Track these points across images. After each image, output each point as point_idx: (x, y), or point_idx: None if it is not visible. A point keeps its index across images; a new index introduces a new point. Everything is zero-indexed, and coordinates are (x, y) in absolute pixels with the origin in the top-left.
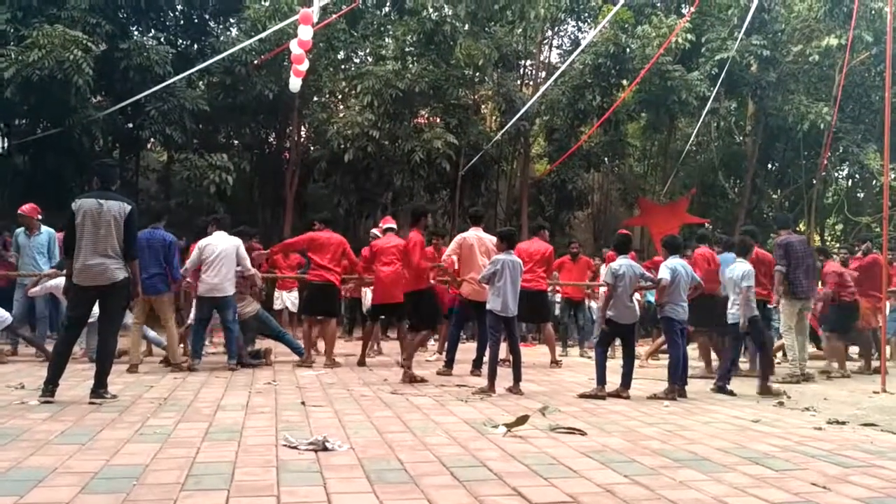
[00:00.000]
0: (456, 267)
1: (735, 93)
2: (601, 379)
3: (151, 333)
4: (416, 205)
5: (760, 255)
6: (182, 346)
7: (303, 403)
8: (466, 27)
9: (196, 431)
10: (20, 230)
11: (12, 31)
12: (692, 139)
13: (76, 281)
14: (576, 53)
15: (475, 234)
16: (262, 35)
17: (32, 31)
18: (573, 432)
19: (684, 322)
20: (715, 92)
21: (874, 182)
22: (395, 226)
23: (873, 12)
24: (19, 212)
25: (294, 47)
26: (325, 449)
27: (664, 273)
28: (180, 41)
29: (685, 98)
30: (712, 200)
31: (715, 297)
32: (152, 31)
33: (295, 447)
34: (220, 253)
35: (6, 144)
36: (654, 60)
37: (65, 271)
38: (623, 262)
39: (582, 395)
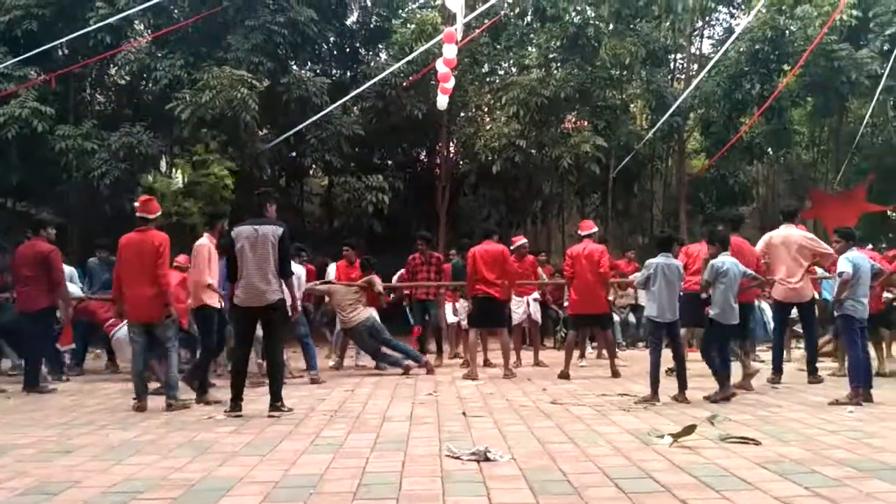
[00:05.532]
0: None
1: None
2: (725, 379)
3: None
4: (734, 213)
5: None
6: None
7: (464, 414)
8: (611, 27)
9: (365, 442)
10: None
11: (186, 75)
12: (866, 121)
13: (238, 302)
14: (729, 42)
15: (783, 233)
16: (410, 57)
17: (203, 73)
18: (746, 442)
19: (864, 321)
20: (888, 69)
21: None
22: (594, 230)
23: None
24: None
25: (440, 66)
26: (487, 459)
27: (844, 266)
28: (334, 71)
29: (855, 78)
30: (894, 186)
31: None
32: (308, 63)
33: (458, 457)
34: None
35: (186, 181)
36: (817, 41)
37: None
38: (727, 259)
39: (705, 398)
